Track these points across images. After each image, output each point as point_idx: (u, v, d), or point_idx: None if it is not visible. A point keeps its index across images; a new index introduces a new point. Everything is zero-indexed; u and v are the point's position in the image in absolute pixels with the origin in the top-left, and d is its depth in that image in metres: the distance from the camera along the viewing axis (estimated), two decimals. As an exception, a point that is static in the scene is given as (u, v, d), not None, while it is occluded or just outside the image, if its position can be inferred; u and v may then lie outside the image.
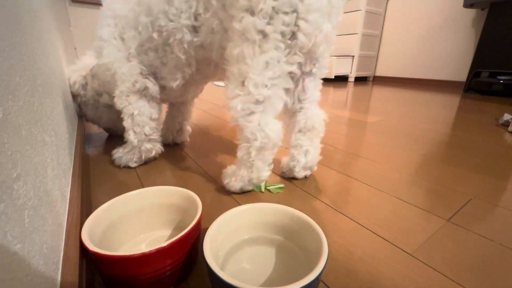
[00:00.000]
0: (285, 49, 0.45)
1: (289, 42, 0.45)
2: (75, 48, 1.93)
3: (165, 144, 0.83)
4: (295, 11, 0.43)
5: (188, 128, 0.87)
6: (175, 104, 0.83)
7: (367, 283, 0.33)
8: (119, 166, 0.66)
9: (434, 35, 2.51)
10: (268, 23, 0.43)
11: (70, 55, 1.47)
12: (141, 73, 0.63)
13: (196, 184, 0.58)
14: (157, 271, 0.29)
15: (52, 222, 0.27)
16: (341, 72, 2.90)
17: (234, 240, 0.36)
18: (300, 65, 0.49)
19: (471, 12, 2.25)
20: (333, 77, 2.83)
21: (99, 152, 0.77)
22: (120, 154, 0.67)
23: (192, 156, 0.74)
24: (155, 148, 0.68)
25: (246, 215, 0.36)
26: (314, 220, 0.33)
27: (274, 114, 0.49)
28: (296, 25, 0.44)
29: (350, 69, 2.96)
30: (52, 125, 0.40)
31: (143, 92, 0.64)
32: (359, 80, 3.15)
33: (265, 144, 0.48)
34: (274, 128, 0.48)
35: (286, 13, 0.42)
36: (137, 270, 0.28)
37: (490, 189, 0.56)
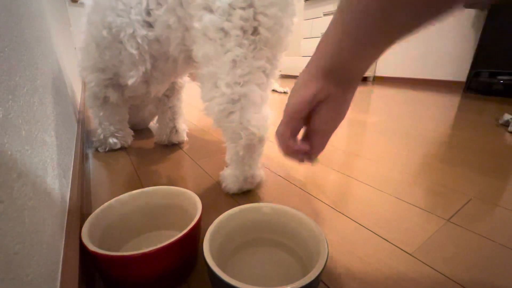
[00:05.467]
0: (250, 45, 0.44)
1: (252, 38, 0.44)
2: (75, 48, 1.93)
3: (164, 145, 0.83)
4: (251, 5, 0.42)
5: (184, 127, 0.85)
6: (162, 100, 0.82)
7: (367, 283, 0.33)
8: (95, 148, 0.79)
9: (434, 35, 2.51)
10: (227, 20, 0.42)
11: (70, 55, 1.47)
12: (102, 84, 0.70)
13: (196, 184, 0.58)
14: (157, 271, 0.29)
15: (52, 222, 0.27)
16: (341, 72, 2.89)
17: (234, 240, 0.36)
18: (269, 58, 0.48)
19: (471, 12, 2.25)
20: (333, 77, 2.82)
21: (99, 152, 0.77)
22: (94, 139, 0.79)
23: (192, 156, 0.74)
24: (120, 141, 0.79)
25: (245, 215, 0.36)
26: (314, 220, 0.33)
27: (254, 110, 0.48)
28: (256, 20, 0.43)
29: (350, 69, 2.95)
30: (52, 125, 0.40)
31: (105, 100, 0.73)
32: (359, 80, 3.15)
33: (251, 141, 0.48)
34: (257, 124, 0.47)
35: (243, 8, 0.42)
36: (137, 270, 0.28)
37: (490, 189, 0.56)
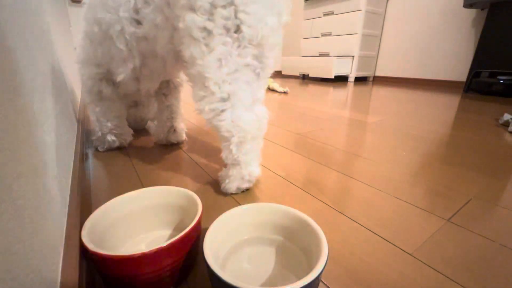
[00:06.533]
0: (233, 43, 0.44)
1: (235, 35, 0.44)
2: (75, 48, 1.93)
3: (164, 144, 0.83)
4: (232, 3, 0.42)
5: (182, 126, 0.84)
6: (159, 98, 0.81)
7: (367, 283, 0.33)
8: (94, 148, 0.79)
9: (434, 35, 2.51)
10: (209, 19, 0.42)
11: (70, 55, 1.47)
12: (96, 77, 0.70)
13: (196, 184, 0.58)
14: (157, 271, 0.29)
15: (52, 222, 0.27)
16: (341, 72, 2.90)
17: (234, 240, 0.36)
18: (256, 56, 0.48)
19: (471, 12, 2.25)
20: (333, 77, 2.83)
21: (99, 152, 0.77)
22: (94, 138, 0.78)
23: (192, 156, 0.74)
24: (119, 140, 0.78)
25: (245, 215, 0.36)
26: (314, 220, 0.33)
27: (245, 107, 0.48)
28: (237, 18, 0.43)
29: (350, 69, 2.96)
30: (52, 125, 0.40)
31: (99, 94, 0.73)
32: (359, 80, 3.15)
33: (243, 138, 0.48)
34: (248, 121, 0.48)
35: (223, 6, 0.42)
36: (137, 270, 0.28)
37: (490, 189, 0.56)
